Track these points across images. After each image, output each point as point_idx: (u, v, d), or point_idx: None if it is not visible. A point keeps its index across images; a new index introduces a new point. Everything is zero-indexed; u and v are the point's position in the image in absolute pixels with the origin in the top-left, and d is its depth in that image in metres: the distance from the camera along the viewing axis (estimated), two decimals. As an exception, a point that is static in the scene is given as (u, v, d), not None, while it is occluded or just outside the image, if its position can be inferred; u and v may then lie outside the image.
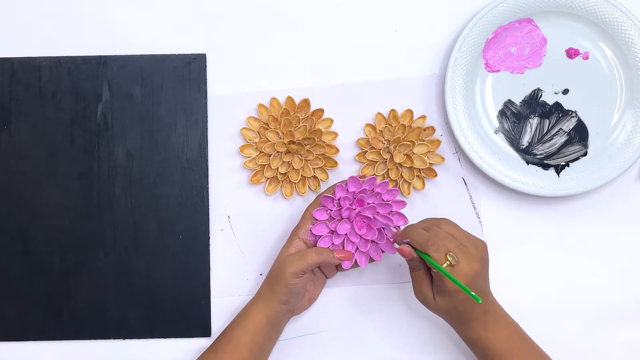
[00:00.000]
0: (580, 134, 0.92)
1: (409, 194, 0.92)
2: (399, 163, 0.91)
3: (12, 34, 0.93)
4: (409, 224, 0.85)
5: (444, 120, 0.93)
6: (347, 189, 0.86)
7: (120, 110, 0.92)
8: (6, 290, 0.91)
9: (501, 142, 0.93)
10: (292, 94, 0.92)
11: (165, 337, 0.92)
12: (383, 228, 0.87)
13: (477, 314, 0.81)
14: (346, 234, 0.87)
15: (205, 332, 0.92)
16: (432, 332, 0.92)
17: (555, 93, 0.93)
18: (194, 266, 0.92)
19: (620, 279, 0.93)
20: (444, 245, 0.77)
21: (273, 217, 0.93)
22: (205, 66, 0.93)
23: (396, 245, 0.84)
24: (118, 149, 0.92)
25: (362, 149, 0.92)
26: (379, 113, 0.92)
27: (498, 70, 0.93)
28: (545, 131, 0.93)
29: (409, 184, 0.92)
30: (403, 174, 0.91)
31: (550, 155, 0.92)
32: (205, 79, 0.93)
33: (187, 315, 0.92)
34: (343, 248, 0.87)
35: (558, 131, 0.92)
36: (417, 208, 0.92)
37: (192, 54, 0.93)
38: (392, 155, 0.91)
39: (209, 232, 0.92)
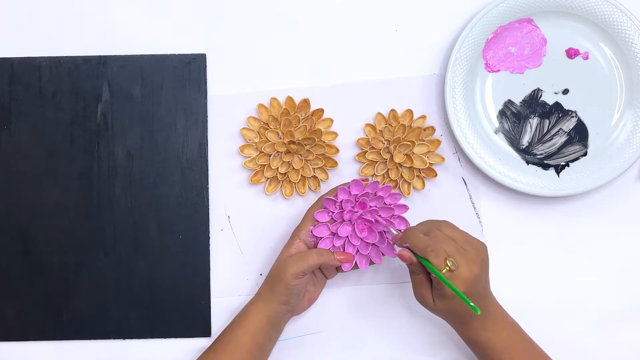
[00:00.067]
0: (580, 134, 0.92)
1: (409, 194, 0.92)
2: (399, 163, 0.91)
3: (12, 34, 0.93)
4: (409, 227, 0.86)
5: (444, 120, 0.93)
6: (350, 192, 0.86)
7: (120, 110, 0.92)
8: (6, 290, 0.91)
9: (501, 142, 0.93)
10: (292, 94, 0.92)
11: (165, 337, 0.92)
12: (384, 231, 0.87)
13: (477, 314, 0.80)
14: (347, 237, 0.87)
15: (205, 332, 0.92)
16: (432, 332, 0.92)
17: (555, 93, 0.93)
18: (194, 266, 0.92)
19: (620, 279, 0.93)
20: (443, 250, 0.77)
21: (273, 217, 0.93)
22: (205, 66, 0.93)
23: (396, 250, 0.84)
24: (118, 149, 0.92)
25: (362, 149, 0.92)
26: (379, 113, 0.92)
27: (498, 70, 0.93)
28: (545, 131, 0.93)
29: (409, 184, 0.92)
30: (403, 174, 0.91)
31: (550, 155, 0.92)
32: (205, 79, 0.93)
33: (187, 315, 0.92)
34: (344, 250, 0.87)
35: (558, 131, 0.92)
36: (417, 208, 0.92)
37: (192, 54, 0.93)
38: (392, 155, 0.91)
39: (209, 232, 0.92)
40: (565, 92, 0.93)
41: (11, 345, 0.92)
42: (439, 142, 0.92)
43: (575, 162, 0.92)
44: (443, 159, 0.92)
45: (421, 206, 0.93)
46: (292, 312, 0.88)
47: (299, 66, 0.93)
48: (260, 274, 0.93)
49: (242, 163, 0.92)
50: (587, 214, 0.94)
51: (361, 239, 0.87)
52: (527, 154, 0.92)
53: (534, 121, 0.93)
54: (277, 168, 0.91)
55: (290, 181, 0.92)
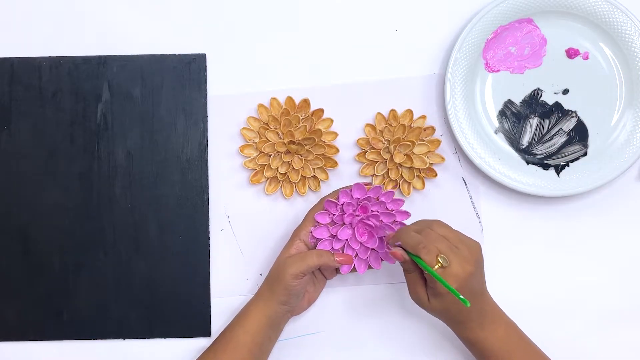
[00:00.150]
0: (580, 134, 0.92)
1: (409, 194, 0.92)
2: (399, 163, 0.91)
3: (12, 34, 0.93)
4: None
5: (444, 120, 0.93)
6: (352, 195, 0.86)
7: (120, 110, 0.92)
8: (6, 290, 0.91)
9: (501, 142, 0.93)
10: (292, 94, 0.92)
11: (165, 337, 0.92)
12: (384, 236, 0.86)
13: (474, 314, 0.80)
14: (347, 240, 0.87)
15: (205, 332, 0.92)
16: (430, 333, 0.92)
17: (555, 93, 0.93)
18: (194, 266, 0.92)
19: (620, 279, 0.93)
20: (435, 248, 0.77)
21: (273, 217, 0.93)
22: (205, 66, 0.93)
23: (389, 249, 0.85)
24: (118, 149, 0.92)
25: (362, 149, 0.92)
26: (379, 113, 0.92)
27: (498, 70, 0.93)
28: (545, 131, 0.93)
29: (409, 184, 0.92)
30: (403, 174, 0.91)
31: (550, 155, 0.92)
32: (205, 79, 0.93)
33: (187, 315, 0.92)
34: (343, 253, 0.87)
35: (558, 131, 0.92)
36: (417, 208, 0.92)
37: (192, 54, 0.93)
38: (392, 155, 0.91)
39: (209, 232, 0.92)
40: (565, 92, 0.93)
41: (11, 345, 0.92)
42: (439, 142, 0.92)
43: (575, 162, 0.92)
44: (443, 159, 0.92)
45: (421, 206, 0.93)
46: (291, 312, 0.88)
47: (299, 66, 0.93)
48: (260, 274, 0.93)
49: (242, 163, 0.92)
50: (587, 214, 0.94)
51: (361, 243, 0.87)
52: (527, 154, 0.92)
53: (534, 121, 0.93)
54: (277, 168, 0.91)
55: (290, 181, 0.92)
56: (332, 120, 0.92)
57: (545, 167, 0.92)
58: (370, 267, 0.87)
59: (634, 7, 0.91)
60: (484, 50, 0.92)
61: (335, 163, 0.92)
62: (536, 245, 0.94)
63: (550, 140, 0.93)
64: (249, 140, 0.92)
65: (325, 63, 0.94)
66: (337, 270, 0.89)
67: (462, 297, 0.75)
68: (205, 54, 0.93)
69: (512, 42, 0.92)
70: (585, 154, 0.92)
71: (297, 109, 0.92)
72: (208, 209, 0.92)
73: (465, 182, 0.93)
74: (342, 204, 0.86)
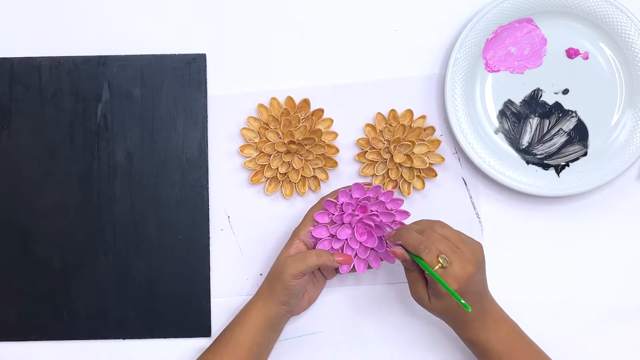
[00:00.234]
0: (580, 134, 0.92)
1: (409, 194, 0.92)
2: (399, 163, 0.91)
3: (12, 34, 0.93)
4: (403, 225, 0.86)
5: (444, 120, 0.93)
6: (351, 195, 0.86)
7: (120, 110, 0.92)
8: (6, 290, 0.91)
9: (501, 142, 0.93)
10: (292, 94, 0.92)
11: (165, 337, 0.92)
12: (384, 236, 0.86)
13: (475, 314, 0.80)
14: (346, 240, 0.87)
15: (205, 332, 0.92)
16: (431, 333, 0.92)
17: (555, 93, 0.93)
18: (194, 266, 0.92)
19: (620, 279, 0.93)
20: (436, 248, 0.77)
21: (273, 217, 0.93)
22: (205, 66, 0.93)
23: (389, 247, 0.85)
24: (118, 149, 0.92)
25: (362, 149, 0.92)
26: (379, 113, 0.92)
27: (498, 70, 0.93)
28: (545, 131, 0.93)
29: (409, 184, 0.92)
30: (403, 174, 0.91)
31: (550, 155, 0.92)
32: (205, 79, 0.93)
33: (187, 315, 0.92)
34: (342, 252, 0.87)
35: (558, 131, 0.92)
36: (417, 208, 0.92)
37: (192, 54, 0.93)
38: (392, 155, 0.91)
39: (209, 232, 0.92)
40: (565, 92, 0.93)
41: (11, 345, 0.92)
42: (439, 142, 0.92)
43: (575, 162, 0.92)
44: (443, 159, 0.92)
45: (421, 206, 0.93)
46: (291, 312, 0.88)
47: (299, 66, 0.93)
48: (260, 274, 0.93)
49: (242, 163, 0.92)
50: (587, 214, 0.94)
51: (360, 242, 0.87)
52: (527, 154, 0.92)
53: (534, 121, 0.93)
54: (277, 168, 0.91)
55: (290, 181, 0.92)
56: (332, 120, 0.92)
57: (545, 167, 0.92)
58: (369, 267, 0.87)
59: (634, 7, 0.91)
60: (484, 50, 0.92)
61: (335, 163, 0.92)
62: (536, 245, 0.94)
63: (550, 140, 0.93)
64: (249, 140, 0.92)
65: (325, 63, 0.94)
66: (336, 270, 0.89)
67: (463, 301, 0.75)
68: (205, 54, 0.93)
69: (512, 42, 0.92)
70: (585, 154, 0.92)
71: (297, 109, 0.92)
72: (208, 209, 0.92)
73: (465, 182, 0.93)
74: (342, 204, 0.86)
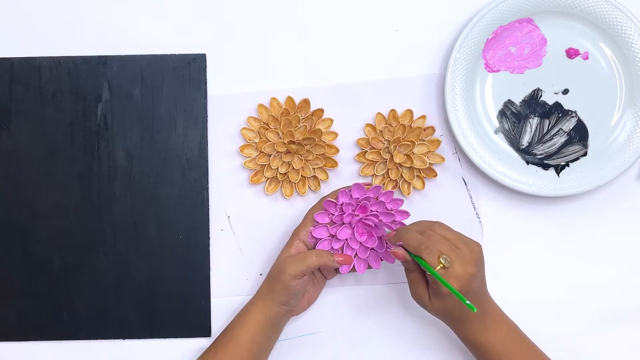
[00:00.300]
0: (580, 134, 0.92)
1: (409, 194, 0.92)
2: (399, 163, 0.91)
3: (12, 34, 0.93)
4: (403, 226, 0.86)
5: (444, 120, 0.93)
6: (351, 195, 0.86)
7: (120, 110, 0.92)
8: (6, 290, 0.91)
9: (501, 142, 0.93)
10: (292, 94, 0.92)
11: (165, 337, 0.92)
12: (383, 236, 0.86)
13: (475, 315, 0.80)
14: (346, 240, 0.87)
15: (205, 332, 0.92)
16: (431, 333, 0.92)
17: (555, 93, 0.93)
18: (194, 266, 0.92)
19: (620, 279, 0.93)
20: (437, 249, 0.77)
21: (273, 217, 0.93)
22: (205, 66, 0.93)
23: (390, 248, 0.85)
24: (118, 149, 0.92)
25: (362, 149, 0.92)
26: (379, 113, 0.92)
27: (498, 70, 0.93)
28: (545, 131, 0.93)
29: (409, 184, 0.92)
30: (403, 174, 0.91)
31: (550, 155, 0.92)
32: (205, 79, 0.93)
33: (187, 315, 0.92)
34: (342, 253, 0.87)
35: (558, 131, 0.92)
36: (417, 208, 0.92)
37: (192, 54, 0.93)
38: (392, 155, 0.91)
39: (209, 232, 0.92)
40: (565, 92, 0.93)
41: (11, 345, 0.92)
42: (439, 142, 0.92)
43: (575, 162, 0.92)
44: (443, 159, 0.92)
45: (421, 206, 0.93)
46: (291, 312, 0.88)
47: (299, 66, 0.93)
48: (260, 274, 0.93)
49: (242, 163, 0.92)
50: (587, 214, 0.94)
51: (360, 242, 0.87)
52: (527, 154, 0.92)
53: (534, 121, 0.93)
54: (277, 168, 0.91)
55: (290, 181, 0.92)
56: (332, 120, 0.92)
57: (545, 167, 0.92)
58: (369, 267, 0.87)
59: (634, 7, 0.91)
60: (484, 50, 0.92)
61: (335, 163, 0.92)
62: (536, 245, 0.94)
63: (550, 140, 0.93)
64: (249, 140, 0.92)
65: (325, 63, 0.94)
66: (336, 270, 0.89)
67: (468, 302, 0.75)
68: (205, 54, 0.93)
69: (512, 42, 0.92)
70: (585, 154, 0.92)
71: (297, 109, 0.92)
72: (208, 209, 0.92)
73: (465, 182, 0.93)
74: (342, 204, 0.86)
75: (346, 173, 0.93)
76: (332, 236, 0.87)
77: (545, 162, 0.92)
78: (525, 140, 0.93)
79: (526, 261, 0.93)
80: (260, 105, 0.92)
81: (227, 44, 0.94)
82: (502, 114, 0.93)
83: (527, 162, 0.92)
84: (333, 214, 0.86)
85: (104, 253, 0.92)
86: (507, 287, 0.91)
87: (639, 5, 0.92)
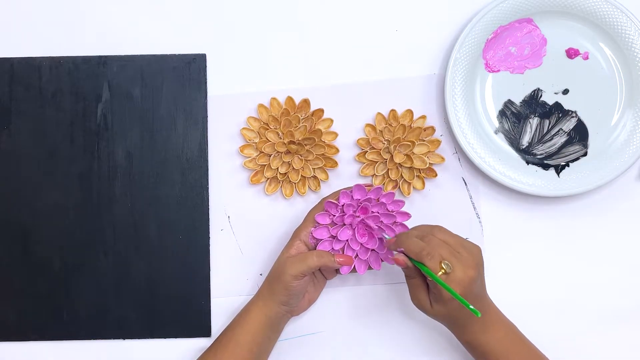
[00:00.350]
0: (580, 134, 0.92)
1: (409, 194, 0.92)
2: (399, 163, 0.91)
3: (12, 34, 0.93)
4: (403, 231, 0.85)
5: (444, 120, 0.93)
6: (352, 196, 0.86)
7: (120, 110, 0.92)
8: (6, 290, 0.91)
9: (501, 142, 0.93)
10: (292, 94, 0.92)
11: (165, 337, 0.92)
12: (384, 241, 0.86)
13: (474, 317, 0.80)
14: (347, 241, 0.87)
15: (205, 332, 0.92)
16: (431, 333, 0.92)
17: (555, 93, 0.93)
18: (194, 266, 0.92)
19: (620, 279, 0.93)
20: (438, 254, 0.77)
21: (273, 217, 0.93)
22: (205, 66, 0.93)
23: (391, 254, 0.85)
24: (118, 149, 0.92)
25: (362, 149, 0.92)
26: (379, 113, 0.92)
27: (498, 70, 0.93)
28: (545, 131, 0.93)
29: (409, 184, 0.92)
30: (403, 174, 0.91)
31: (550, 155, 0.92)
32: (205, 79, 0.93)
33: (187, 315, 0.92)
34: (343, 253, 0.87)
35: (558, 131, 0.93)
36: (417, 208, 0.92)
37: (192, 54, 0.93)
38: (392, 155, 0.91)
39: (209, 232, 0.92)
40: (565, 92, 0.93)
41: (11, 345, 0.92)
42: (439, 142, 0.92)
43: (575, 162, 0.92)
44: (443, 159, 0.92)
45: (421, 206, 0.93)
46: (291, 312, 0.88)
47: (299, 66, 0.93)
48: (260, 274, 0.93)
49: (242, 163, 0.92)
50: (587, 214, 0.94)
51: (361, 244, 0.87)
52: (527, 154, 0.92)
53: (534, 121, 0.93)
54: (277, 168, 0.91)
55: (290, 181, 0.92)
56: (332, 120, 0.92)
57: (545, 167, 0.92)
58: (370, 268, 0.87)
59: (634, 7, 0.91)
60: (484, 50, 0.92)
61: (335, 163, 0.92)
62: (536, 245, 0.94)
63: (550, 140, 0.93)
64: (249, 140, 0.92)
65: (325, 63, 0.94)
66: (337, 271, 0.89)
67: (472, 307, 0.75)
68: (205, 54, 0.93)
69: (512, 42, 0.92)
70: (585, 154, 0.92)
71: (297, 109, 0.92)
72: (208, 209, 0.92)
73: (465, 182, 0.93)
74: (343, 205, 0.86)
75: (346, 173, 0.93)
76: (333, 237, 0.87)
77: (545, 162, 0.92)
78: (525, 140, 0.93)
79: (526, 261, 0.93)
80: (260, 105, 0.92)
81: (227, 44, 0.94)
82: (502, 114, 0.93)
83: (527, 162, 0.92)
84: (334, 215, 0.86)
85: (104, 253, 0.92)
86: (507, 287, 0.91)
87: (639, 5, 0.92)
